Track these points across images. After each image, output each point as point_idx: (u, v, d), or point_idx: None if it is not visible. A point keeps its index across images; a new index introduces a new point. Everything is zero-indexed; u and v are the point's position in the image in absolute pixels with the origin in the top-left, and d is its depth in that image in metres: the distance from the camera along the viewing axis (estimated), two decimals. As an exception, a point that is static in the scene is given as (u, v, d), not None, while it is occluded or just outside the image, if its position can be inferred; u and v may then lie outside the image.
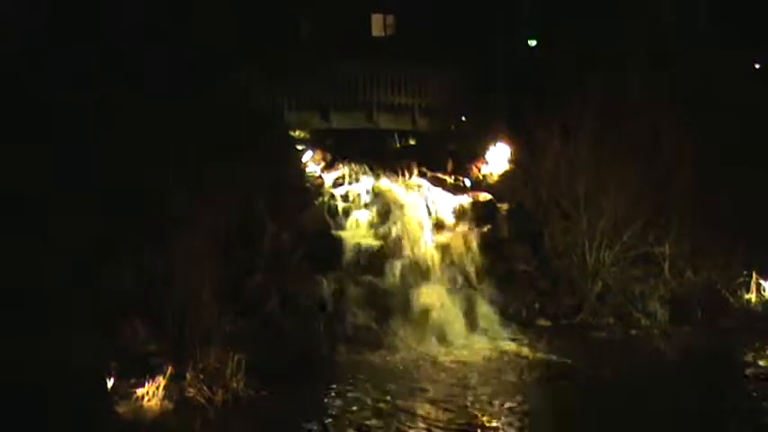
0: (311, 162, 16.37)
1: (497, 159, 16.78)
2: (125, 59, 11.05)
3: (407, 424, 9.82)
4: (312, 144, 16.81)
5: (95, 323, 9.19)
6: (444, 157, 17.02)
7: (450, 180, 16.63)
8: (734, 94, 16.02)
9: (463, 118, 17.78)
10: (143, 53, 11.47)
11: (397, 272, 14.30)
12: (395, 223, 15.02)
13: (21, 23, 9.89)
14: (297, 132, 16.71)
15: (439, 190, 16.20)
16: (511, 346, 13.45)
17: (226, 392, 10.12)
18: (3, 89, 9.41)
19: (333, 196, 15.58)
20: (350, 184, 16.00)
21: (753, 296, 15.03)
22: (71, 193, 9.32)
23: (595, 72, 15.45)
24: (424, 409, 10.40)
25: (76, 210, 9.28)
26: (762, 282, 15.04)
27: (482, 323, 14.14)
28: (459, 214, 15.76)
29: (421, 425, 9.81)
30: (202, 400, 9.91)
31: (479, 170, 16.88)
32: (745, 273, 15.03)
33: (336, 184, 16.05)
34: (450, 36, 17.89)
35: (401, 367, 12.33)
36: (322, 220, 14.83)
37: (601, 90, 15.09)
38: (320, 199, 15.36)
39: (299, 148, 16.39)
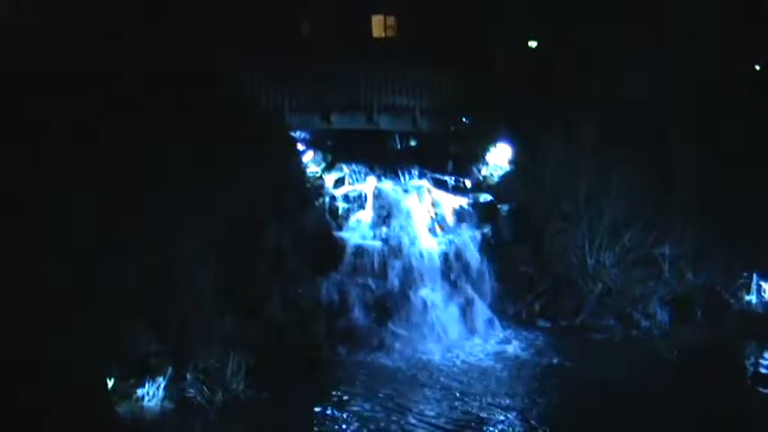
0: (312, 163, 16.37)
1: (498, 160, 16.78)
2: (126, 59, 11.04)
3: (408, 425, 9.84)
4: (313, 145, 16.80)
5: (96, 323, 9.19)
6: (445, 158, 17.00)
7: (450, 181, 16.63)
8: (734, 97, 16.01)
9: (464, 119, 17.76)
10: (144, 53, 11.47)
11: (398, 273, 14.31)
12: (395, 224, 15.02)
13: (20, 22, 9.91)
14: (297, 133, 16.68)
15: (440, 191, 16.20)
16: (510, 348, 13.46)
17: (226, 393, 10.14)
18: (2, 89, 9.42)
19: (334, 197, 15.58)
20: (351, 185, 15.99)
21: (753, 297, 15.03)
22: (72, 193, 9.32)
23: (596, 73, 15.45)
24: (423, 410, 10.41)
25: (77, 210, 9.29)
26: (762, 283, 15.03)
27: (482, 324, 14.15)
28: (460, 215, 15.77)
29: (421, 426, 9.83)
30: (203, 401, 9.93)
31: (480, 171, 16.87)
32: (745, 274, 15.02)
33: (337, 185, 16.05)
34: (451, 37, 17.88)
35: (401, 368, 12.33)
36: (323, 222, 14.81)
37: (602, 91, 15.09)
38: (321, 200, 15.35)
39: (300, 148, 16.37)
